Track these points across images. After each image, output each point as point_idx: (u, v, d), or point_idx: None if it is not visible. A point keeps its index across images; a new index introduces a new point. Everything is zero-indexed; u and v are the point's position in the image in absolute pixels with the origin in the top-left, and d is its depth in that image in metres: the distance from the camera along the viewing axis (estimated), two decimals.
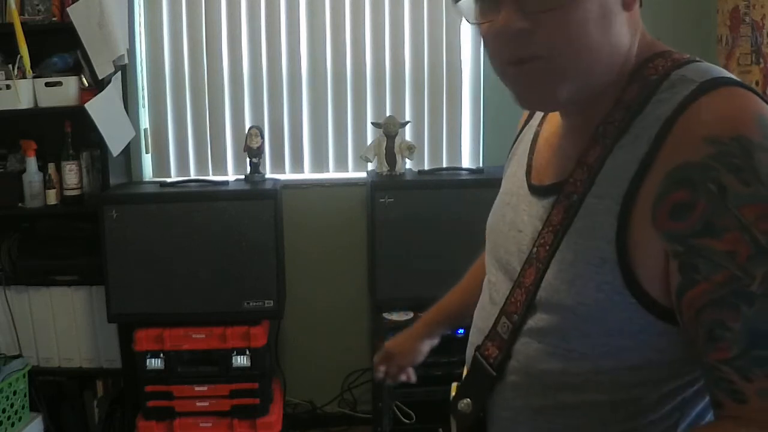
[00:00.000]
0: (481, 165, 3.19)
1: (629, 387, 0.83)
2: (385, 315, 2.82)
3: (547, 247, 0.85)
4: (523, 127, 1.08)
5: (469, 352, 1.01)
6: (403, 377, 1.43)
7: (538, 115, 1.04)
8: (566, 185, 0.86)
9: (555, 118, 0.96)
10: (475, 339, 0.99)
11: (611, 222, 0.79)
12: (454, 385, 1.06)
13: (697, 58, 0.85)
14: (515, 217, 0.95)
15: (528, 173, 0.97)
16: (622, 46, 0.84)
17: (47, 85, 2.77)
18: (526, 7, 0.77)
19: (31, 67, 2.72)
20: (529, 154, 1.00)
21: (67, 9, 2.67)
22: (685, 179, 0.74)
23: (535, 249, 0.88)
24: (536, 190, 0.93)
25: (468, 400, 0.97)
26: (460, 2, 0.83)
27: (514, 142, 1.09)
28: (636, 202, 0.78)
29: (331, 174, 3.23)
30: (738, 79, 0.81)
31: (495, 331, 0.93)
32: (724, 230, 0.72)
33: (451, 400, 1.02)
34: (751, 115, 0.75)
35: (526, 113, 1.10)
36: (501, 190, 1.06)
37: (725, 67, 3.05)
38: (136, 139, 3.08)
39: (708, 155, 0.73)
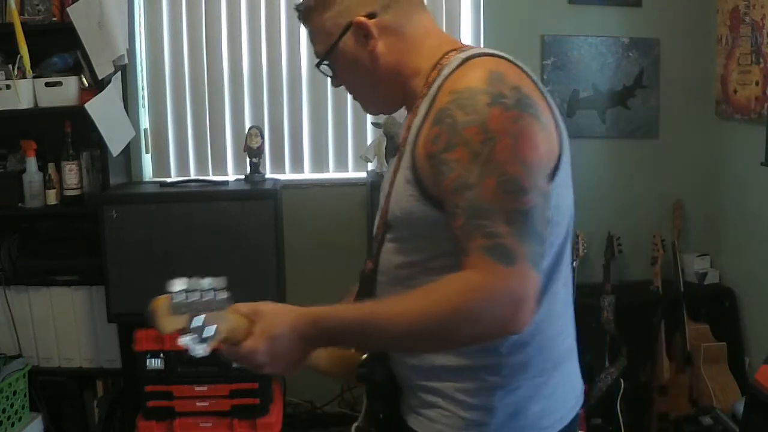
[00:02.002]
0: None
1: (454, 268, 1.08)
2: None
3: (390, 185, 1.23)
4: None
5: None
6: None
7: None
8: (400, 143, 1.24)
9: None
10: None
11: (409, 155, 1.16)
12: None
13: (479, 47, 1.24)
14: (386, 176, 1.31)
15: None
16: (388, 71, 1.25)
17: (47, 85, 2.77)
18: (334, 81, 1.33)
19: (31, 67, 2.72)
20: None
21: (67, 9, 2.67)
22: (437, 119, 1.11)
23: (387, 188, 1.25)
24: (392, 152, 1.33)
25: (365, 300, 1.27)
26: (323, 67, 1.30)
27: None
28: (419, 140, 1.15)
29: (331, 174, 3.23)
30: (496, 52, 1.17)
31: (370, 251, 1.29)
32: (455, 146, 1.07)
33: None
34: (482, 72, 1.11)
35: None
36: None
37: (725, 67, 3.05)
38: (136, 139, 3.08)
39: (448, 101, 1.10)
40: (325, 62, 1.27)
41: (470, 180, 1.04)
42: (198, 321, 1.08)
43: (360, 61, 1.25)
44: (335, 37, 1.24)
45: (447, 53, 1.22)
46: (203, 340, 1.06)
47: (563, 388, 1.22)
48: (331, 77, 1.31)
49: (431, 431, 1.20)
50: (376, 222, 1.29)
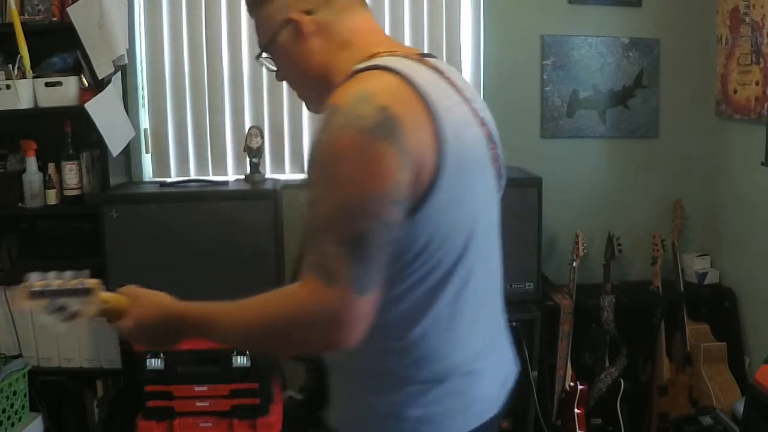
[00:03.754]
0: None
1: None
2: None
3: None
4: None
5: None
6: None
7: None
8: None
9: None
10: None
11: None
12: None
13: (390, 55, 1.18)
14: None
15: None
16: (318, 71, 1.25)
17: (47, 85, 2.77)
18: (276, 75, 1.33)
19: (31, 67, 2.72)
20: None
21: (67, 9, 2.67)
22: (313, 133, 1.22)
23: None
24: None
25: None
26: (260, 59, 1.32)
27: None
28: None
29: None
30: (388, 66, 1.12)
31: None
32: (312, 162, 1.09)
33: None
34: (353, 90, 1.09)
35: None
36: None
37: (725, 67, 3.05)
38: (136, 139, 3.08)
39: (321, 118, 1.10)
40: (264, 55, 1.29)
41: (314, 197, 1.07)
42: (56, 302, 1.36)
43: (294, 58, 1.26)
44: (274, 31, 1.25)
45: (366, 57, 1.19)
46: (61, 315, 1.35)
47: (449, 402, 1.21)
48: (274, 71, 1.33)
49: (329, 418, 1.30)
50: None
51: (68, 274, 1.44)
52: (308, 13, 1.23)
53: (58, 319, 1.32)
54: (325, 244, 1.05)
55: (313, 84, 1.27)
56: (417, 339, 1.17)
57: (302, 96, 1.34)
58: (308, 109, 1.38)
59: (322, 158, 1.07)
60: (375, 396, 1.22)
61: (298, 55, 1.25)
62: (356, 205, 1.04)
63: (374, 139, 1.03)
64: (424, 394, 1.19)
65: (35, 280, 1.39)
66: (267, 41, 1.27)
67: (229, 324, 1.22)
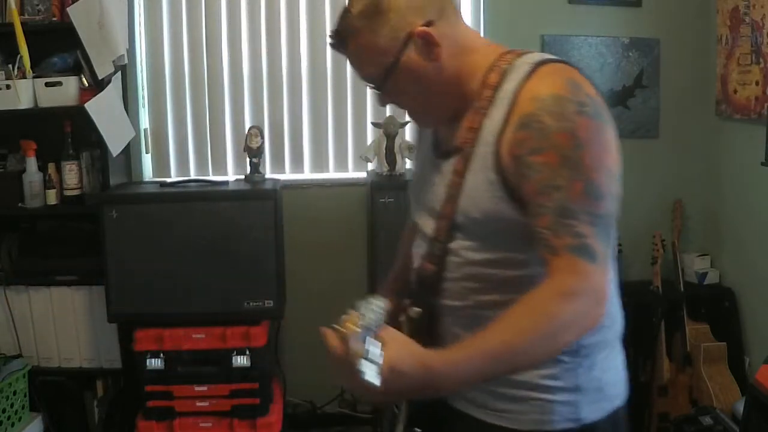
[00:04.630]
0: None
1: (531, 262, 1.21)
2: (414, 308, 2.80)
3: (457, 186, 1.26)
4: None
5: (413, 277, 1.38)
6: None
7: None
8: (461, 145, 1.26)
9: None
10: (416, 265, 1.37)
11: (491, 158, 1.20)
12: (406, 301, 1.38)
13: (533, 51, 1.28)
14: (430, 176, 1.35)
15: (435, 149, 1.37)
16: (451, 80, 1.26)
17: (47, 85, 2.77)
18: (383, 94, 1.30)
19: (31, 67, 2.72)
20: (433, 137, 1.39)
21: (67, 9, 2.67)
22: (523, 124, 1.16)
23: (449, 191, 1.27)
24: (443, 155, 1.32)
25: (418, 308, 1.34)
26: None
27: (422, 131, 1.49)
28: (502, 143, 1.19)
29: (331, 174, 3.23)
30: (561, 59, 1.23)
31: (430, 253, 1.31)
32: (543, 149, 1.13)
33: (411, 318, 1.35)
34: (563, 80, 1.17)
35: None
36: (418, 161, 1.49)
37: (725, 67, 3.05)
38: (136, 139, 3.08)
39: (535, 107, 1.15)
40: (379, 82, 1.25)
41: (558, 182, 1.11)
42: (372, 347, 1.07)
43: (423, 73, 1.24)
44: (394, 53, 1.22)
45: (502, 55, 1.26)
46: (372, 362, 1.05)
47: (621, 358, 1.33)
48: (379, 96, 1.30)
49: (523, 423, 1.27)
50: (430, 224, 1.32)
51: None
52: (428, 24, 1.22)
53: (375, 373, 1.04)
54: (579, 225, 1.10)
55: (440, 95, 1.27)
56: (611, 310, 1.27)
57: (422, 111, 1.33)
58: (423, 124, 1.39)
59: (566, 144, 1.12)
60: (579, 372, 1.25)
61: (429, 69, 1.24)
62: (603, 186, 1.13)
63: (603, 123, 1.15)
64: (613, 357, 1.31)
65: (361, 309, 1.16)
66: (388, 66, 1.22)
67: (513, 352, 1.11)
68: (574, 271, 1.10)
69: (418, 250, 1.38)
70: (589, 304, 1.10)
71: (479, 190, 1.22)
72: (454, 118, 1.30)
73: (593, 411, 1.27)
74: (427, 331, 1.32)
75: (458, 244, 1.27)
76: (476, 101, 1.25)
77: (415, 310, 1.34)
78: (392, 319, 1.37)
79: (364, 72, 1.26)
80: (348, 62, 1.28)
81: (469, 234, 1.26)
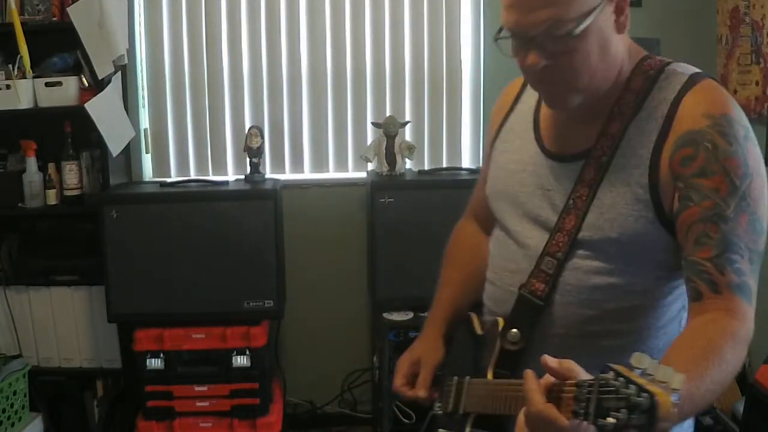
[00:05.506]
0: (480, 165, 3.19)
1: (654, 291, 1.15)
2: (385, 315, 2.82)
3: (584, 198, 1.14)
4: (508, 113, 1.36)
5: (500, 294, 1.26)
6: (422, 392, 1.39)
7: (525, 99, 1.33)
8: (594, 151, 1.15)
9: (549, 109, 1.24)
10: (507, 281, 1.24)
11: (642, 172, 1.10)
12: (499, 320, 1.24)
13: (672, 59, 1.21)
14: (539, 179, 1.22)
15: (542, 146, 1.24)
16: (617, 60, 1.15)
17: (47, 85, 2.77)
18: (547, 50, 1.08)
19: (31, 67, 2.72)
20: (534, 134, 1.27)
21: (67, 9, 2.67)
22: (691, 140, 1.06)
23: (571, 201, 1.16)
24: (560, 158, 1.21)
25: (516, 330, 1.20)
26: (499, 41, 1.13)
27: (502, 125, 1.36)
28: (660, 158, 1.09)
29: (331, 174, 3.23)
30: (709, 74, 1.16)
31: (539, 269, 1.18)
32: (713, 173, 1.04)
33: (499, 332, 1.22)
34: (729, 100, 1.10)
35: (502, 101, 1.39)
36: (503, 160, 1.32)
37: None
38: (136, 139, 3.08)
39: (706, 125, 1.06)
40: (567, 28, 1.06)
41: (726, 212, 1.03)
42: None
43: (606, 38, 1.10)
44: (593, 4, 1.06)
45: (645, 59, 1.18)
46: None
47: None
48: (542, 54, 1.09)
49: None
50: (536, 235, 1.21)
51: None
52: None
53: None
54: (740, 261, 1.03)
55: (604, 74, 1.13)
56: None
57: (575, 83, 1.12)
58: (557, 102, 1.18)
59: (736, 171, 1.04)
60: None
61: (610, 37, 1.10)
62: (763, 221, 1.06)
63: (760, 151, 1.09)
64: None
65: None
66: (592, 8, 1.06)
67: (717, 390, 0.98)
68: (738, 313, 1.01)
69: (508, 263, 1.26)
70: (746, 349, 1.02)
71: (620, 206, 1.11)
72: (585, 113, 1.17)
73: None
74: (514, 357, 1.21)
75: (577, 263, 1.16)
76: (614, 104, 1.15)
77: (513, 333, 1.21)
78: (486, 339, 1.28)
79: (556, 12, 1.05)
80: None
81: (595, 254, 1.15)
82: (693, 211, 1.05)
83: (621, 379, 0.79)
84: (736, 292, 1.01)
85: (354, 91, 3.18)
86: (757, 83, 2.83)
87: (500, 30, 1.13)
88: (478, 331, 1.38)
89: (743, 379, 2.91)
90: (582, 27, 1.05)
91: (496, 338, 1.23)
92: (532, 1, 1.05)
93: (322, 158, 3.22)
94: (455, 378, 1.33)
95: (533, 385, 0.90)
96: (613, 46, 1.12)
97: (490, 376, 1.23)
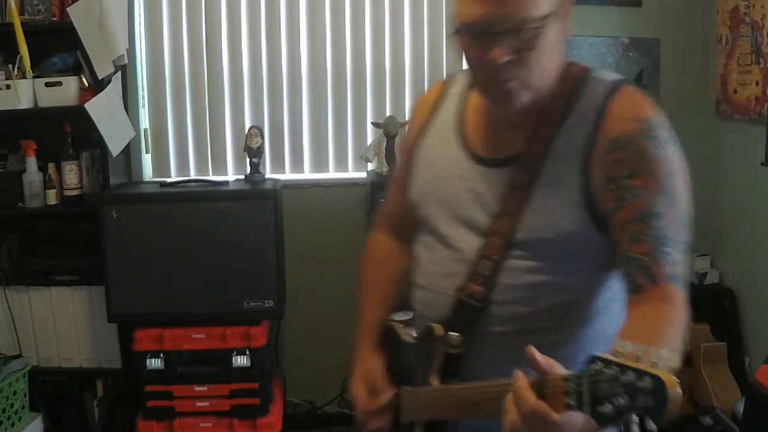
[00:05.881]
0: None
1: (587, 286, 1.20)
2: (452, 334, 2.79)
3: (518, 201, 1.18)
4: (428, 121, 1.37)
5: (434, 298, 1.26)
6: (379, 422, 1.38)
7: (447, 106, 1.35)
8: (525, 156, 1.19)
9: (478, 113, 1.29)
10: (441, 285, 1.25)
11: (576, 176, 1.15)
12: (436, 326, 1.24)
13: (587, 65, 1.26)
14: (469, 184, 1.25)
15: (470, 153, 1.27)
16: (560, 64, 1.21)
17: (47, 85, 2.77)
18: (512, 46, 1.11)
19: (31, 67, 2.72)
20: (460, 140, 1.30)
21: (67, 9, 2.67)
22: (621, 144, 1.13)
23: (504, 204, 1.19)
24: (489, 163, 1.24)
25: (456, 334, 1.21)
26: (460, 36, 1.14)
27: (423, 132, 1.36)
28: (591, 161, 1.14)
29: (331, 174, 3.23)
30: (628, 79, 1.23)
31: (475, 272, 1.21)
32: (643, 174, 1.11)
33: (439, 337, 1.23)
34: (651, 105, 1.18)
35: (419, 110, 1.41)
36: (428, 165, 1.33)
37: (725, 67, 3.05)
38: (136, 139, 3.08)
39: (634, 129, 1.14)
40: (533, 26, 1.10)
41: (657, 209, 1.10)
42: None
43: (558, 42, 1.16)
44: (555, 4, 1.12)
45: (568, 66, 1.24)
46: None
47: None
48: (505, 49, 1.11)
49: None
50: (469, 239, 1.23)
51: None
52: None
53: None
54: (674, 253, 1.09)
55: (548, 77, 1.18)
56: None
57: (526, 83, 1.15)
58: (510, 102, 1.17)
59: (662, 172, 1.12)
60: None
61: (560, 41, 1.17)
62: (686, 215, 1.13)
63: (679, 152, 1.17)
64: None
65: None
66: (548, 11, 1.11)
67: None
68: (675, 300, 1.07)
69: (441, 267, 1.27)
70: (686, 331, 1.06)
71: (556, 208, 1.16)
72: (515, 119, 1.20)
73: None
74: (456, 361, 1.23)
75: (513, 264, 1.19)
76: (542, 110, 1.19)
77: (454, 337, 1.22)
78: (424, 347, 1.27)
79: (527, 8, 1.09)
80: None
81: (530, 254, 1.18)
82: (627, 210, 1.11)
83: (614, 367, 0.81)
84: (672, 282, 1.08)
85: (354, 91, 3.18)
86: (757, 83, 2.83)
87: (459, 24, 1.13)
88: (406, 339, 1.38)
89: (743, 379, 2.92)
90: (547, 24, 1.10)
91: (433, 344, 1.23)
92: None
93: (322, 158, 3.22)
94: (402, 387, 1.33)
95: (523, 383, 0.91)
96: (559, 49, 1.18)
97: (435, 382, 1.23)
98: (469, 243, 1.23)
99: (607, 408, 0.81)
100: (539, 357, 0.91)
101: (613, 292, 1.22)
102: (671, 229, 1.10)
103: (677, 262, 1.09)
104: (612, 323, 1.20)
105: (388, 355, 1.42)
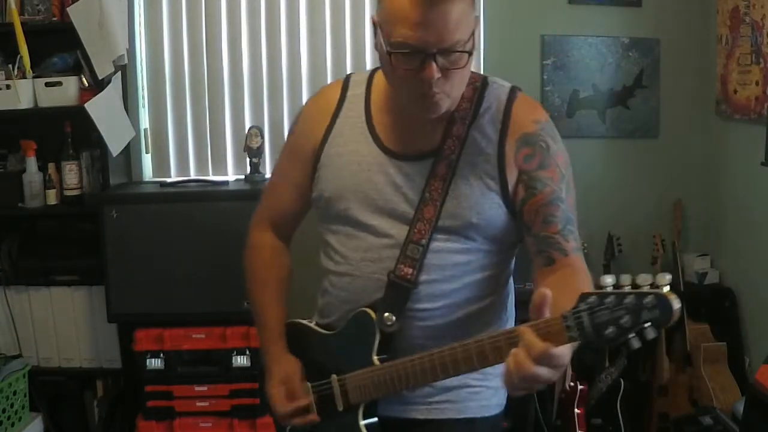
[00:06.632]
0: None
1: (499, 264, 1.42)
2: (386, 314, 2.81)
3: (440, 190, 1.33)
4: (332, 122, 1.46)
5: (363, 283, 1.39)
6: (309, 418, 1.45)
7: (349, 107, 1.45)
8: (442, 150, 1.35)
9: (386, 114, 1.41)
10: (370, 270, 1.38)
11: (491, 167, 1.34)
12: (368, 310, 1.37)
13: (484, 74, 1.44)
14: (388, 177, 1.37)
15: (382, 148, 1.39)
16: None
17: (47, 85, 2.77)
18: (443, 66, 1.23)
19: (31, 67, 2.72)
20: (372, 137, 1.41)
21: (67, 9, 2.67)
22: (528, 141, 1.34)
23: (427, 194, 1.34)
24: (406, 158, 1.37)
25: (389, 314, 1.34)
26: (395, 55, 1.24)
27: (328, 131, 1.45)
28: (504, 155, 1.34)
29: None
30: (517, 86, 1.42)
31: (405, 256, 1.34)
32: (549, 166, 1.33)
33: (375, 320, 1.35)
34: (541, 108, 1.44)
35: (318, 112, 1.48)
36: (340, 162, 1.42)
37: (725, 67, 3.05)
38: (136, 139, 3.08)
39: (537, 129, 1.35)
40: (465, 49, 1.24)
41: (561, 195, 1.33)
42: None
43: (471, 60, 1.29)
44: (474, 25, 1.26)
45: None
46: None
47: None
48: (437, 68, 1.23)
49: (464, 411, 1.42)
50: (395, 227, 1.36)
51: None
52: None
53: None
54: (575, 230, 1.33)
55: (463, 87, 1.34)
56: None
57: (451, 96, 1.31)
58: (437, 111, 1.31)
59: (561, 164, 1.35)
60: None
61: (470, 61, 1.29)
62: (575, 199, 1.36)
63: None
64: None
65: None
66: (473, 32, 1.26)
67: None
68: (583, 267, 1.31)
69: (368, 254, 1.39)
70: None
71: (476, 195, 1.33)
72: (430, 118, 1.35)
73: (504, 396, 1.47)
74: (391, 339, 1.35)
75: (439, 246, 1.34)
76: (453, 110, 1.34)
77: (391, 319, 1.34)
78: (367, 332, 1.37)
79: (455, 38, 1.22)
80: (448, 21, 1.21)
81: (454, 236, 1.34)
82: (539, 197, 1.32)
83: (611, 296, 1.00)
84: (578, 254, 1.33)
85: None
86: (757, 83, 2.83)
87: (396, 44, 1.23)
88: (321, 332, 1.51)
89: (743, 379, 2.92)
90: (474, 45, 1.26)
91: (365, 328, 1.36)
92: (444, 24, 1.20)
93: None
94: (333, 377, 1.41)
95: (530, 332, 1.05)
96: (469, 66, 1.31)
97: (376, 362, 1.34)
98: (396, 230, 1.36)
99: (610, 330, 0.98)
100: (546, 292, 1.06)
101: (511, 267, 1.48)
102: (572, 211, 1.34)
103: (578, 237, 1.34)
104: (510, 293, 1.50)
105: (297, 353, 1.52)
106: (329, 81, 3.17)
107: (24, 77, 2.74)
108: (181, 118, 3.17)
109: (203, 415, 2.76)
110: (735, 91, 3.00)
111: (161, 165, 3.19)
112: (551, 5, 3.17)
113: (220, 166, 3.19)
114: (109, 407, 2.96)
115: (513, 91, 1.39)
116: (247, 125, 3.10)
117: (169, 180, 3.12)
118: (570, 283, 1.25)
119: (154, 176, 3.19)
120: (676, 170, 3.29)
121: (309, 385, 1.46)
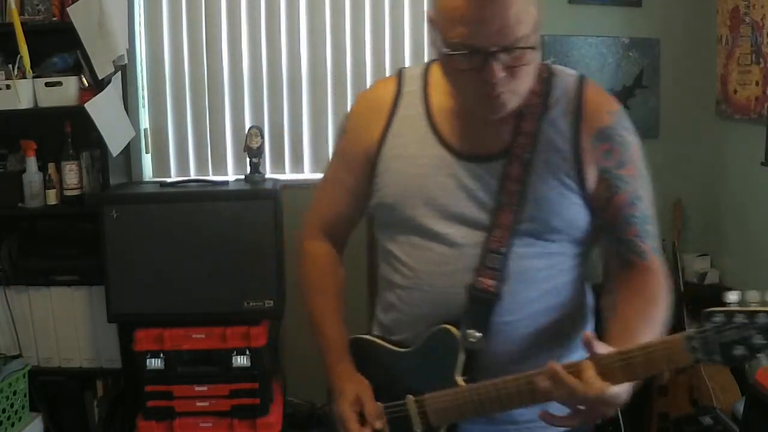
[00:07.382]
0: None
1: (577, 266, 1.34)
2: (469, 331, 2.79)
3: (516, 193, 1.23)
4: (389, 122, 1.34)
5: (435, 297, 1.27)
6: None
7: (406, 106, 1.34)
8: (514, 149, 1.25)
9: (449, 112, 1.30)
10: (444, 284, 1.27)
11: (568, 164, 1.24)
12: (449, 327, 1.26)
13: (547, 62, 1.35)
14: (458, 181, 1.27)
15: (448, 149, 1.29)
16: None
17: (47, 85, 2.77)
18: (506, 63, 1.14)
19: (31, 67, 2.72)
20: (436, 138, 1.30)
21: (67, 9, 2.67)
22: (604, 136, 1.26)
23: (502, 197, 1.24)
24: (476, 159, 1.27)
25: (472, 330, 1.24)
26: (455, 55, 1.15)
27: (385, 133, 1.34)
28: (581, 150, 1.25)
29: None
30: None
31: (484, 266, 1.24)
32: (627, 163, 1.27)
33: (459, 337, 1.25)
34: (610, 95, 1.33)
35: (371, 110, 1.37)
36: (401, 165, 1.31)
37: (725, 67, 3.06)
38: (136, 139, 3.08)
39: (613, 121, 1.28)
40: (527, 44, 1.15)
41: (640, 193, 1.27)
42: None
43: (536, 56, 1.19)
44: (536, 20, 1.16)
45: None
46: None
47: None
48: (501, 66, 1.15)
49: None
50: (469, 234, 1.25)
51: None
52: None
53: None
54: (654, 229, 1.29)
55: (532, 82, 1.23)
56: None
57: (513, 95, 1.20)
58: (502, 110, 1.22)
59: (638, 158, 1.30)
60: None
61: (536, 67, 1.23)
62: (652, 193, 1.31)
63: None
64: None
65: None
66: (535, 26, 1.16)
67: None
68: (661, 269, 1.28)
69: (440, 266, 1.27)
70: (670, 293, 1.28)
71: (555, 197, 1.24)
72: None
73: None
74: (477, 358, 1.25)
75: (519, 252, 1.24)
76: (521, 105, 1.23)
77: (476, 335, 1.24)
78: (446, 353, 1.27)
79: (521, 28, 1.12)
80: (508, 16, 1.12)
81: (534, 241, 1.25)
82: (620, 197, 1.26)
83: (739, 315, 1.07)
84: (657, 254, 1.29)
85: (354, 91, 3.17)
86: (757, 83, 2.83)
87: (454, 45, 1.14)
88: (394, 350, 1.35)
89: (743, 379, 2.92)
90: (537, 40, 1.17)
91: (446, 346, 1.25)
92: (503, 20, 1.10)
93: (322, 158, 3.22)
94: (409, 398, 1.29)
95: (590, 370, 1.06)
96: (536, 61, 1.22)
97: (461, 382, 1.24)
98: (470, 238, 1.25)
99: (739, 350, 1.02)
100: (594, 339, 1.07)
101: (584, 265, 1.39)
102: (649, 209, 1.28)
103: (656, 235, 1.29)
104: (587, 298, 1.42)
105: (365, 372, 1.38)
106: (329, 81, 3.18)
107: (24, 77, 2.74)
108: (181, 118, 3.17)
109: (203, 415, 2.76)
110: (735, 91, 3.00)
111: (161, 165, 3.19)
112: (551, 5, 3.17)
113: (220, 166, 3.19)
114: (109, 407, 2.97)
115: (581, 80, 1.29)
116: (247, 125, 3.10)
117: (169, 180, 3.12)
118: (646, 290, 1.25)
119: (154, 176, 3.20)
120: (676, 170, 3.29)
121: (381, 405, 1.32)
